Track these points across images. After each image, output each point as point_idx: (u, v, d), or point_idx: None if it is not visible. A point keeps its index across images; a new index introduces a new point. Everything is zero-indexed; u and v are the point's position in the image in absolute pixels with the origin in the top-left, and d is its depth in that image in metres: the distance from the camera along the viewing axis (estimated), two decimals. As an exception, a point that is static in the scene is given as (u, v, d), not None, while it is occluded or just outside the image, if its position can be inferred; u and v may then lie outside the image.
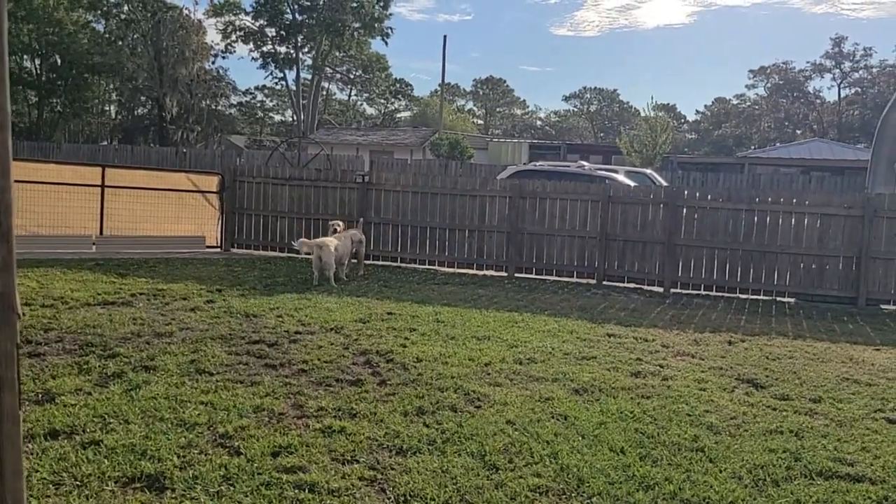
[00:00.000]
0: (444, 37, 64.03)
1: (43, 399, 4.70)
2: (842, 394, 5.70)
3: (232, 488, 3.58)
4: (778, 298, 10.91)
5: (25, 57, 48.75)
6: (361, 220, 12.11)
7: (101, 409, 4.52)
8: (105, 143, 51.34)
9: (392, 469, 3.88)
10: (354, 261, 11.30)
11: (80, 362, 5.52)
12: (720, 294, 11.13)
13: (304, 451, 4.03)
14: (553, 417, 4.78)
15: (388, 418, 4.58)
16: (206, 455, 3.92)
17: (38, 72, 49.01)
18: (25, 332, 6.31)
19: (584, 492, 3.73)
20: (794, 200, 10.99)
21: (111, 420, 4.35)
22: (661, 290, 11.26)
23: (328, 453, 4.02)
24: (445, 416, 4.68)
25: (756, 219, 11.05)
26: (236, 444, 4.08)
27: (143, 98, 51.95)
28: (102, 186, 12.45)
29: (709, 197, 11.41)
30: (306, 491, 3.58)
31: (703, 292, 11.23)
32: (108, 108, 58.23)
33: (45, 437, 4.06)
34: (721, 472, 4.05)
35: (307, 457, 3.95)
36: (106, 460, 3.79)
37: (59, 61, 48.61)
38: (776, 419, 5.01)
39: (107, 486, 3.55)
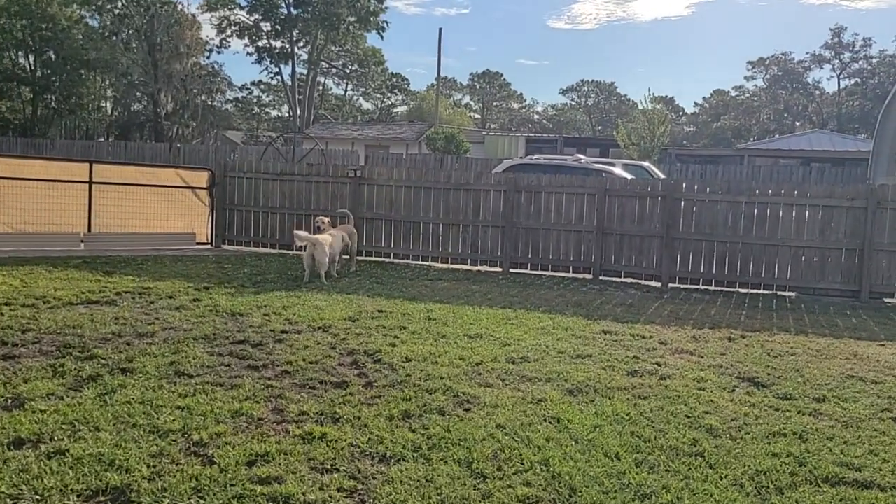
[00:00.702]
0: (440, 29, 63.74)
1: (12, 405, 4.49)
2: (847, 392, 5.50)
3: (202, 501, 3.37)
4: (779, 293, 10.71)
5: (20, 53, 48.43)
6: (350, 215, 11.87)
7: (71, 415, 4.31)
8: (102, 139, 51.02)
9: (373, 479, 3.67)
10: (346, 257, 11.08)
11: (56, 365, 5.31)
12: (719, 288, 10.92)
13: (282, 459, 3.82)
14: (545, 420, 4.57)
15: (372, 423, 4.38)
16: (177, 465, 3.71)
17: (33, 68, 48.69)
18: (2, 333, 6.11)
19: (575, 502, 3.52)
20: (795, 192, 10.76)
21: (81, 427, 4.14)
22: (658, 284, 11.05)
23: (307, 462, 3.82)
24: (432, 420, 4.47)
25: (756, 211, 10.83)
26: (210, 452, 3.87)
27: (138, 94, 51.66)
28: (90, 183, 12.21)
29: (707, 189, 11.18)
30: (280, 504, 3.37)
31: (702, 287, 11.03)
32: (104, 105, 57.93)
33: (9, 447, 3.85)
34: (721, 479, 3.85)
35: (284, 466, 3.75)
36: (71, 471, 3.59)
37: (53, 57, 48.27)
38: (779, 421, 4.80)
39: (68, 500, 3.34)
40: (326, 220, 10.97)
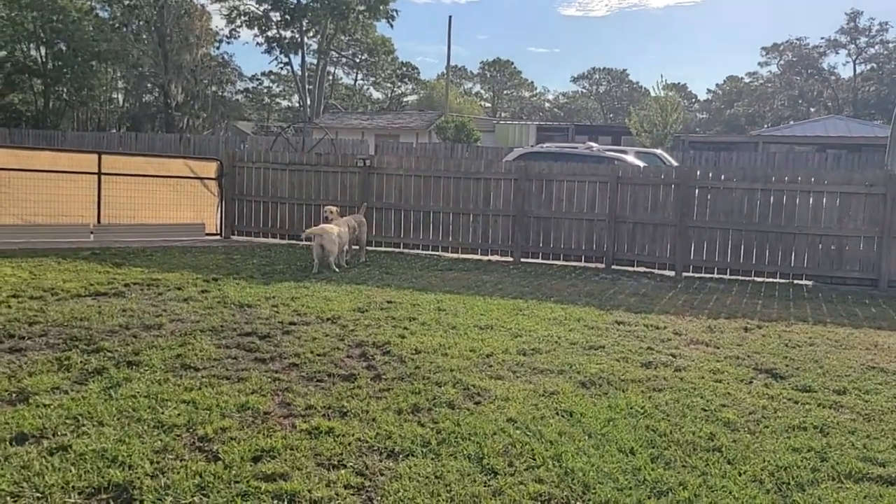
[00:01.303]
0: (450, 17, 63.27)
1: (16, 399, 4.43)
2: (868, 384, 5.35)
3: (205, 499, 3.29)
4: (795, 281, 10.53)
5: (31, 45, 48.52)
6: (365, 204, 11.79)
7: (75, 409, 4.24)
8: (114, 130, 51.13)
9: (381, 475, 3.58)
10: (356, 247, 11.00)
11: (62, 358, 5.25)
12: (735, 277, 10.75)
13: (288, 455, 3.74)
14: (558, 414, 4.46)
15: (380, 417, 4.29)
16: (181, 461, 3.64)
17: (44, 60, 48.77)
18: (9, 325, 6.07)
19: (589, 499, 3.41)
20: (812, 179, 10.55)
21: (85, 422, 4.07)
22: (672, 273, 10.91)
23: (313, 457, 3.73)
24: (442, 413, 4.38)
25: (772, 199, 10.63)
26: (215, 447, 3.79)
27: (149, 85, 51.71)
28: (99, 174, 12.17)
29: (722, 177, 10.99)
30: (285, 502, 3.28)
31: (717, 276, 10.87)
32: (115, 96, 58.05)
33: (11, 443, 3.79)
34: (740, 475, 3.72)
35: (290, 462, 3.66)
36: (73, 468, 3.51)
37: (64, 49, 48.32)
38: (799, 414, 4.67)
39: (70, 497, 3.27)
40: (335, 209, 10.88)
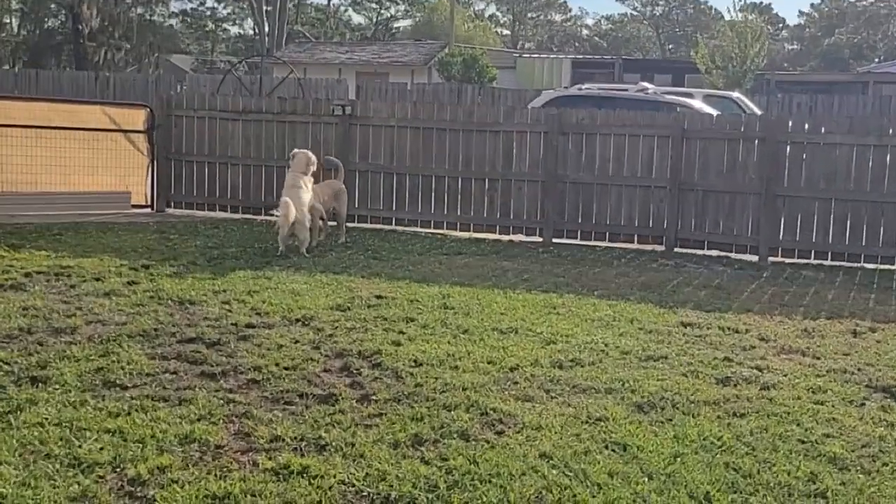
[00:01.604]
0: (457, -84, 62.95)
1: None
2: None
3: (140, 562, 3.30)
4: (919, 269, 10.54)
5: None
6: (339, 165, 11.73)
7: (-37, 442, 4.27)
8: (7, 66, 51.16)
9: (373, 530, 3.60)
10: (333, 223, 11.04)
11: (-57, 373, 5.29)
12: (838, 263, 10.79)
13: (248, 502, 3.76)
14: (607, 448, 4.51)
15: (370, 452, 4.32)
16: (106, 511, 3.66)
17: None
18: None
19: (652, 563, 3.42)
20: (945, 131, 10.55)
21: (-24, 458, 4.09)
22: (755, 258, 10.96)
23: (282, 506, 3.75)
24: (453, 447, 4.41)
25: (889, 158, 10.64)
26: (151, 493, 3.82)
27: (52, 6, 51.64)
28: (-11, 126, 12.19)
29: (822, 129, 11.03)
30: (247, 566, 3.30)
31: (815, 261, 10.92)
32: (8, 21, 58.02)
33: None
34: (853, 529, 3.74)
35: (252, 512, 3.68)
36: (-38, 520, 3.54)
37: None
38: (929, 447, 4.68)
39: (-41, 560, 3.28)
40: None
